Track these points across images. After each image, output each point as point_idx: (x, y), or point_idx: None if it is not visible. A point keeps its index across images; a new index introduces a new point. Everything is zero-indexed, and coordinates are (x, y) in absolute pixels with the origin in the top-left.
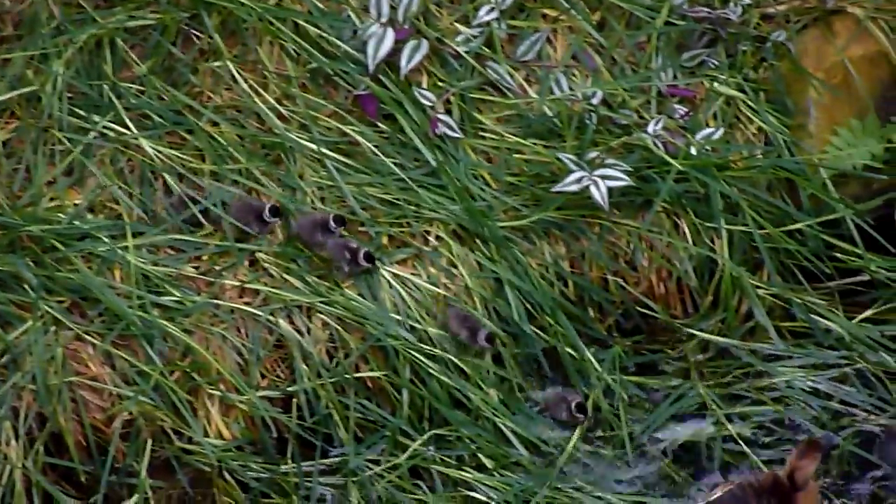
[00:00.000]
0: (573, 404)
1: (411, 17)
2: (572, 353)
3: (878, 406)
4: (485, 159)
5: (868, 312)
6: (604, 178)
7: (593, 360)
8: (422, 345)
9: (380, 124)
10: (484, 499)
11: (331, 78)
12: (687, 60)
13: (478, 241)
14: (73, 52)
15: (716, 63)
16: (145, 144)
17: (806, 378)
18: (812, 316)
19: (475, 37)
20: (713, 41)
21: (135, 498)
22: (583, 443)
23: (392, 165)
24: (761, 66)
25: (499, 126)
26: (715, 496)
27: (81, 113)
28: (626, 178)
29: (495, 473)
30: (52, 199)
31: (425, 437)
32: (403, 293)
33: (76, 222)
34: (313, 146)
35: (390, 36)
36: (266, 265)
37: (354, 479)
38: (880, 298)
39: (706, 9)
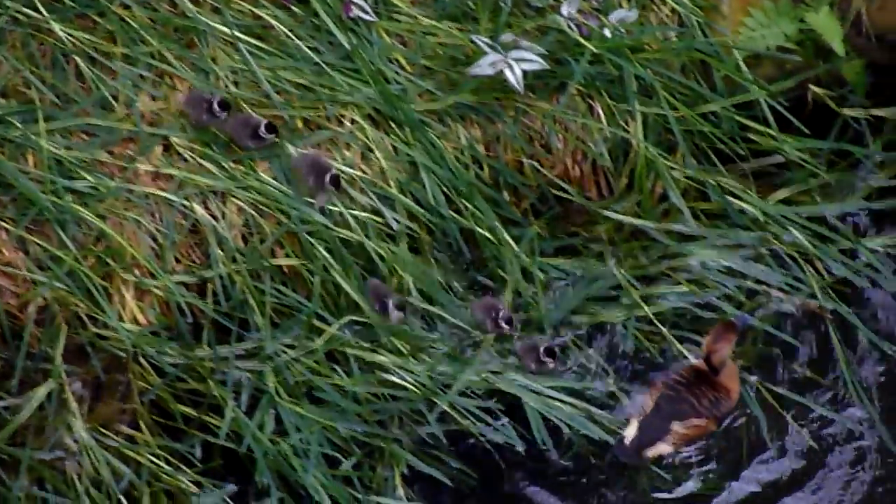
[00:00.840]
0: (500, 314)
1: None
2: (489, 235)
3: (793, 285)
4: (399, 42)
5: (782, 193)
6: (518, 60)
7: (511, 241)
8: (337, 229)
9: (293, 7)
10: (400, 382)
11: None
12: None
13: (393, 124)
14: None
15: None
16: (56, 28)
17: (720, 258)
18: (726, 197)
19: None
20: None
21: (49, 383)
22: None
23: (306, 49)
24: None
25: (413, 9)
26: (646, 405)
27: None
28: (541, 60)
29: (411, 357)
30: None
31: (341, 321)
32: None
33: None
34: (226, 29)
35: None
36: (181, 150)
37: (270, 363)
38: (794, 179)
39: None
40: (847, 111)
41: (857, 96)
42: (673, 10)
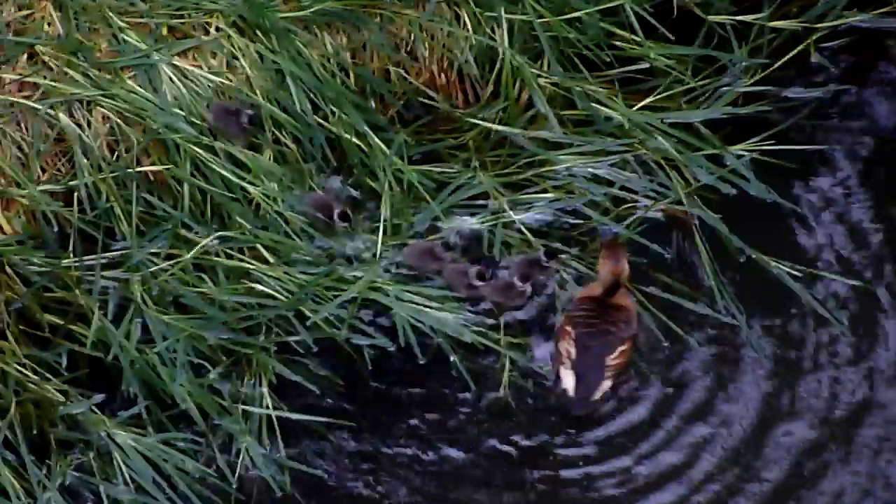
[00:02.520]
0: (336, 213)
1: None
2: (358, 142)
3: (658, 191)
4: None
5: (648, 100)
6: None
7: (382, 145)
8: (203, 137)
9: None
10: (268, 290)
11: None
12: None
13: (259, 32)
14: None
15: None
16: None
17: (587, 165)
18: (592, 104)
19: None
20: None
21: None
22: (369, 234)
23: None
24: None
25: None
26: (568, 354)
27: None
28: None
29: (278, 266)
30: None
31: (212, 236)
32: (184, 86)
33: None
34: None
35: None
36: (46, 58)
37: (137, 272)
38: (659, 86)
39: None
40: (712, 17)
41: (723, 3)
42: None
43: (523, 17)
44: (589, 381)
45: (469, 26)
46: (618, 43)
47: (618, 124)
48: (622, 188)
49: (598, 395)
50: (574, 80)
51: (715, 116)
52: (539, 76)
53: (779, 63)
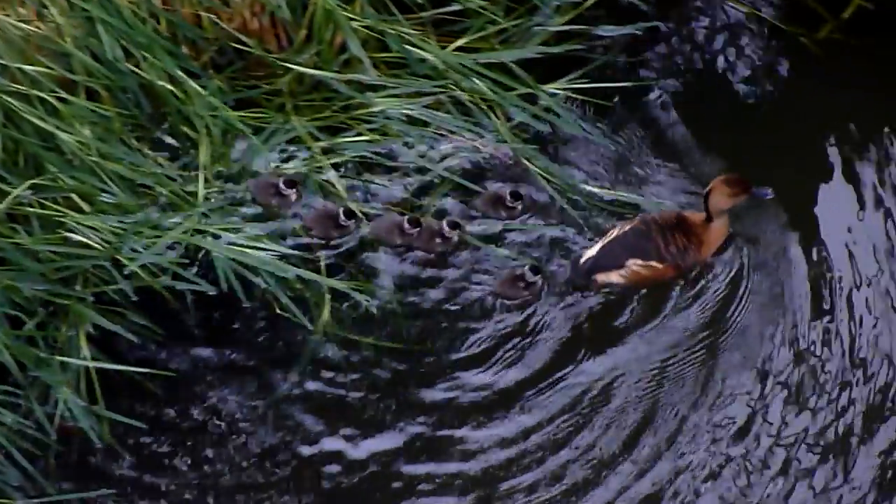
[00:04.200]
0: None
1: None
2: (172, 88)
3: (475, 132)
4: None
5: (461, 41)
6: None
7: (198, 88)
8: (15, 85)
9: None
10: (83, 239)
11: None
12: None
13: None
14: None
15: None
16: None
17: (402, 107)
18: (406, 46)
19: None
20: None
21: None
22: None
23: None
24: None
25: None
26: (616, 233)
27: None
28: None
29: (94, 215)
30: None
31: (24, 185)
32: None
33: None
34: None
35: None
36: None
37: None
38: (472, 27)
39: None
40: None
41: None
42: None
43: None
44: (601, 262)
45: None
46: None
47: (432, 66)
48: (437, 128)
49: (599, 279)
50: (387, 22)
51: (528, 56)
52: (352, 19)
53: (590, 2)
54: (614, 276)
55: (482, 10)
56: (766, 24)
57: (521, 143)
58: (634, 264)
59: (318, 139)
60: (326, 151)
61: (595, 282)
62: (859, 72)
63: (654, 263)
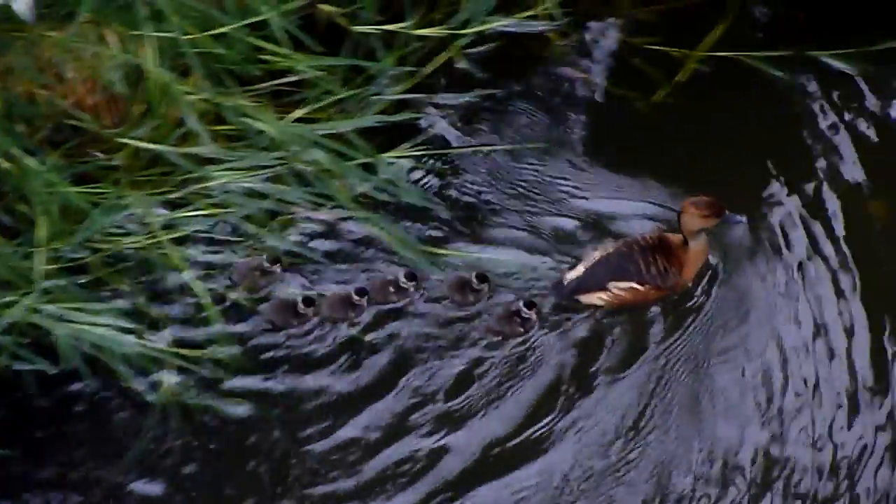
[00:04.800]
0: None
1: None
2: (10, 166)
3: (316, 202)
4: None
5: (299, 112)
6: None
7: (35, 165)
8: None
9: None
10: None
11: None
12: None
13: None
14: None
15: None
16: None
17: (242, 180)
18: (243, 118)
19: None
20: None
21: None
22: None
23: None
24: None
25: None
26: (599, 255)
27: None
28: None
29: None
30: None
31: None
32: None
33: None
34: None
35: None
36: None
37: None
38: (309, 97)
39: None
40: (358, 28)
41: (368, 13)
42: None
43: (169, 35)
44: (584, 283)
45: (116, 46)
46: (266, 57)
47: (271, 138)
48: (277, 200)
49: (581, 299)
50: (224, 95)
51: (367, 125)
52: (189, 93)
53: (427, 70)
54: (596, 298)
55: (319, 81)
56: (600, 89)
57: (365, 212)
58: (615, 286)
59: (157, 214)
60: (167, 227)
61: (575, 300)
62: (690, 131)
63: (634, 285)
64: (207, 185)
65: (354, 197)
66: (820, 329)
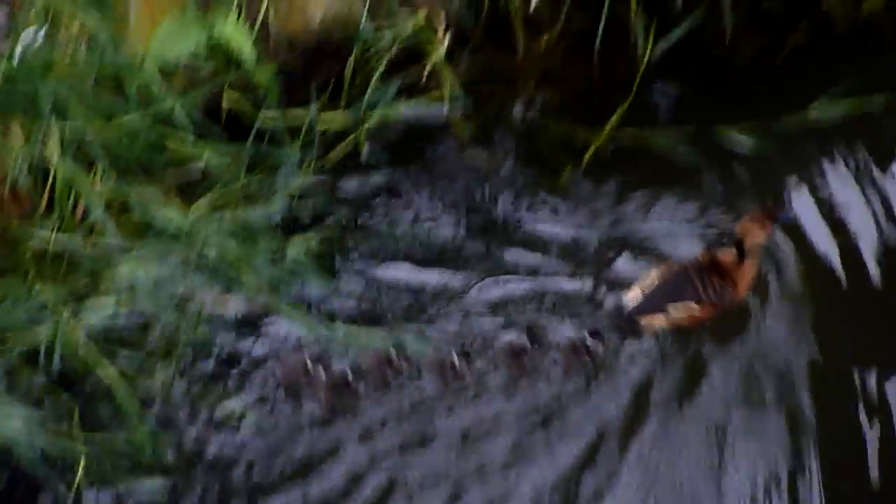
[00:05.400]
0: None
1: None
2: None
3: (224, 290)
4: None
5: (205, 201)
6: None
7: None
8: None
9: None
10: None
11: None
12: None
13: None
14: None
15: None
16: None
17: (149, 271)
18: (150, 209)
19: None
20: None
21: None
22: None
23: None
24: None
25: None
26: (656, 276)
27: None
28: None
29: None
30: None
31: None
32: None
33: None
34: None
35: None
36: None
37: None
38: (217, 186)
39: None
40: (262, 116)
41: (272, 100)
42: (83, 26)
43: (74, 126)
44: (643, 306)
45: (19, 138)
46: (172, 146)
47: (178, 227)
48: (186, 289)
49: (644, 322)
50: (130, 185)
51: (273, 214)
52: (94, 184)
53: (332, 156)
54: (657, 321)
55: (225, 170)
56: (506, 171)
57: (272, 298)
58: (671, 309)
59: (66, 306)
60: (75, 318)
61: (640, 325)
62: (596, 210)
63: (691, 305)
64: (115, 275)
65: (264, 283)
66: None
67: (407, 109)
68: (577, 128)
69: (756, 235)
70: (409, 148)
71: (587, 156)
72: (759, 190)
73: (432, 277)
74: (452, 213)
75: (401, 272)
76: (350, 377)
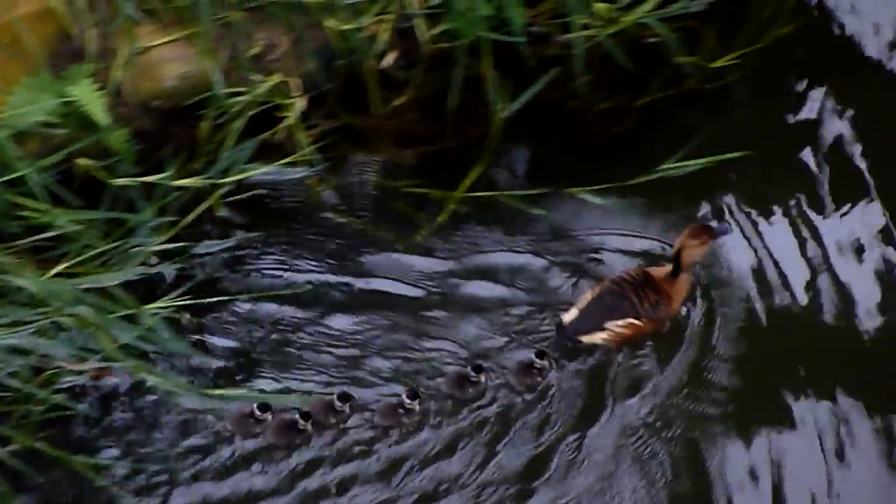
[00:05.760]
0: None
1: None
2: None
3: (81, 355)
4: None
5: (59, 267)
6: None
7: None
8: None
9: None
10: None
11: None
12: None
13: None
14: None
15: None
16: None
17: (4, 337)
18: (3, 275)
19: None
20: None
21: None
22: None
23: None
24: None
25: None
26: (590, 296)
27: None
28: None
29: None
30: None
31: None
32: None
33: None
34: None
35: None
36: None
37: None
38: (70, 251)
39: None
40: (116, 181)
41: (126, 165)
42: None
43: None
44: (583, 324)
45: None
46: (25, 213)
47: (32, 293)
48: (42, 355)
49: (584, 340)
50: None
51: (129, 278)
52: None
53: (188, 219)
54: (598, 338)
55: (79, 235)
56: (363, 232)
57: (131, 362)
58: (614, 325)
59: None
60: None
61: (579, 342)
62: (451, 269)
63: (631, 321)
64: None
65: (120, 348)
66: None
67: (263, 172)
68: (432, 189)
69: (693, 250)
70: (266, 210)
71: (441, 216)
72: (604, 247)
73: (291, 330)
74: (309, 274)
75: (258, 331)
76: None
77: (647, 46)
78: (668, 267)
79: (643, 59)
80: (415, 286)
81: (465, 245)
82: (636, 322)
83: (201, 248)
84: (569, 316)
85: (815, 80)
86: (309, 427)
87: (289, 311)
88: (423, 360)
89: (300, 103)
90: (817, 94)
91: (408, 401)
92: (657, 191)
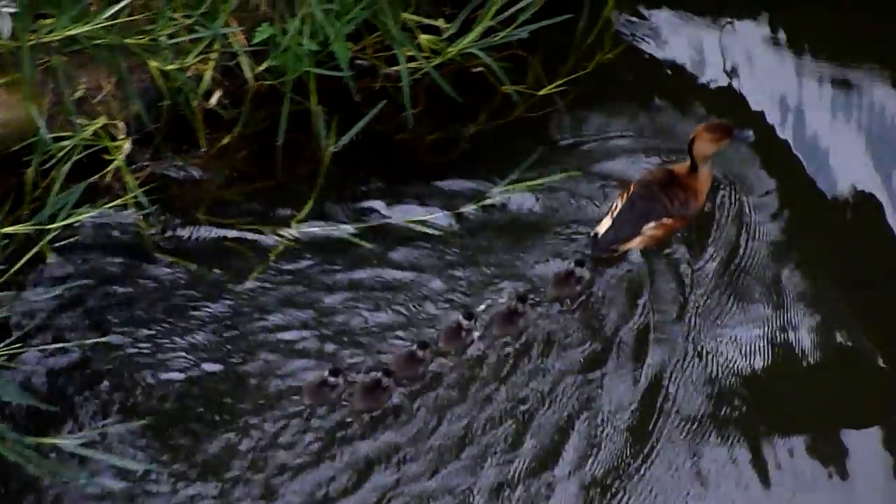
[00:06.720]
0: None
1: None
2: None
3: None
4: None
5: None
6: None
7: None
8: None
9: None
10: None
11: None
12: None
13: None
14: None
15: None
16: None
17: None
18: None
19: None
20: None
21: None
22: None
23: None
24: None
25: None
26: (620, 201)
27: None
28: None
29: None
30: None
31: None
32: None
33: None
34: None
35: None
36: None
37: None
38: None
39: None
40: None
41: None
42: None
43: None
44: (619, 233)
45: None
46: None
47: None
48: None
49: (620, 249)
50: None
51: None
52: None
53: (16, 268)
54: (633, 243)
55: None
56: (195, 274)
57: None
58: (649, 229)
59: None
60: None
61: (615, 251)
62: (286, 308)
63: (664, 220)
64: None
65: None
66: None
67: (92, 216)
68: (263, 226)
69: (705, 143)
70: (98, 255)
71: (273, 254)
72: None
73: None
74: (142, 323)
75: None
76: None
77: (475, 76)
78: (688, 162)
79: (472, 89)
80: (255, 328)
81: (299, 283)
82: (669, 221)
83: (29, 295)
84: (603, 226)
85: (640, 103)
86: (392, 384)
87: (122, 354)
88: None
89: (126, 145)
90: (643, 116)
91: (465, 322)
92: (488, 217)
